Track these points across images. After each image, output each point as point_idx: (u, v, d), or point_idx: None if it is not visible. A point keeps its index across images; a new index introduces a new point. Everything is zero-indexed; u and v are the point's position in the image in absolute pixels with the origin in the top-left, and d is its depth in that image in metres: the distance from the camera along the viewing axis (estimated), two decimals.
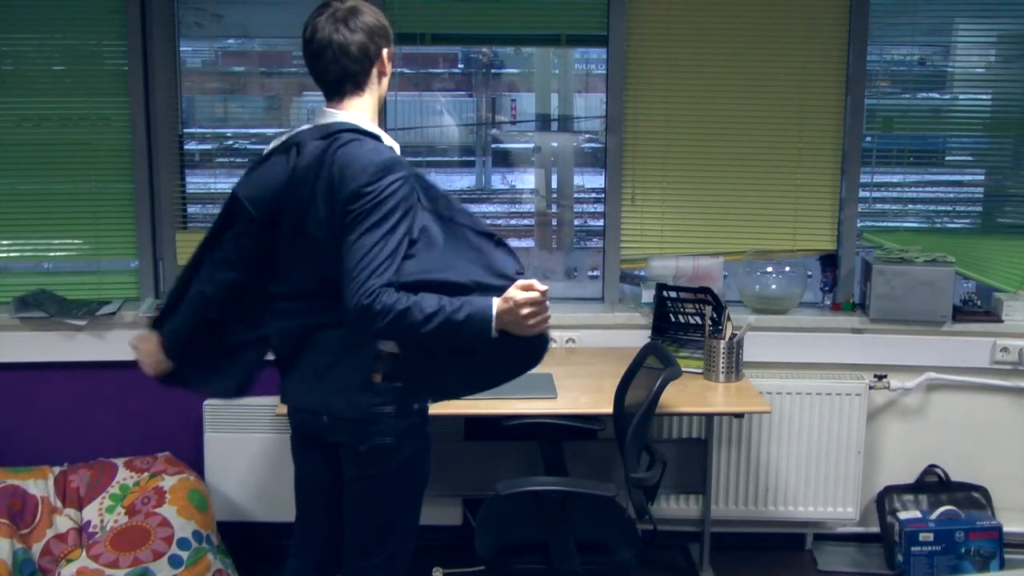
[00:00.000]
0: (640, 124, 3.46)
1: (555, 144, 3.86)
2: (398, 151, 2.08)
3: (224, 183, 3.61)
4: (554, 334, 3.45)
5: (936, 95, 3.60)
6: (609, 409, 2.83)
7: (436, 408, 2.83)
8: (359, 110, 2.10)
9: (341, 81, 2.08)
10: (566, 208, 4.09)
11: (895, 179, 3.65)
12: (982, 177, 3.70)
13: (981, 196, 3.71)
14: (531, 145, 3.90)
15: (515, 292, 2.03)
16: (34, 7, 3.35)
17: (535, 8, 3.46)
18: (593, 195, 3.80)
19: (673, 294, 3.32)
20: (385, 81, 2.16)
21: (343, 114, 2.09)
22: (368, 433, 2.14)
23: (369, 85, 2.12)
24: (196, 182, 3.61)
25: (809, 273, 3.58)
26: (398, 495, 2.24)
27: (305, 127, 2.12)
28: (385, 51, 2.12)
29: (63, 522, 3.06)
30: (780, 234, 3.52)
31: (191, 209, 3.60)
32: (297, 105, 3.69)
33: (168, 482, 3.13)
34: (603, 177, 3.54)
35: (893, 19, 3.44)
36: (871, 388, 3.42)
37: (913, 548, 3.25)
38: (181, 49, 3.51)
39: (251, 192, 2.13)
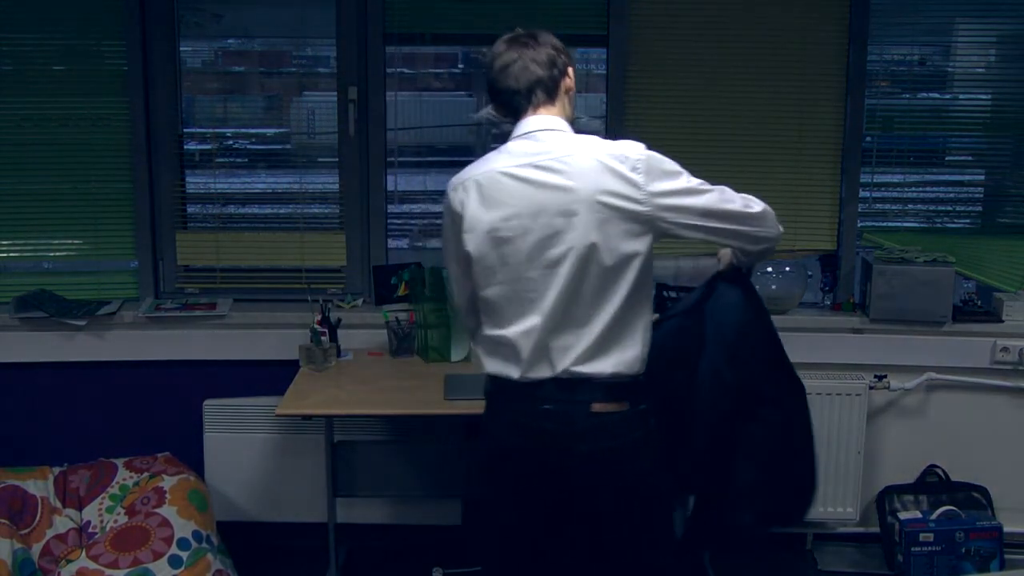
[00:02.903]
0: (640, 124, 3.46)
1: None
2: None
3: (224, 183, 3.61)
4: None
5: (936, 95, 3.60)
6: None
7: (436, 408, 2.85)
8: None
9: (533, 88, 2.11)
10: None
11: (895, 179, 3.65)
12: (982, 177, 3.70)
13: (981, 196, 3.71)
14: None
15: None
16: (34, 7, 3.35)
17: (535, 8, 3.46)
18: None
19: (673, 294, 3.32)
20: (570, 103, 2.17)
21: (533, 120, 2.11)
22: None
23: (559, 97, 2.13)
24: (196, 182, 3.61)
25: (809, 273, 3.58)
26: None
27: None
28: (570, 69, 2.16)
29: (63, 522, 3.06)
30: None
31: (191, 209, 3.60)
32: (297, 105, 3.69)
33: (168, 482, 3.12)
34: None
35: (893, 19, 3.43)
36: (871, 388, 3.42)
37: (913, 548, 3.25)
38: (181, 49, 3.51)
39: None
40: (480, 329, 2.16)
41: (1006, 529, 3.31)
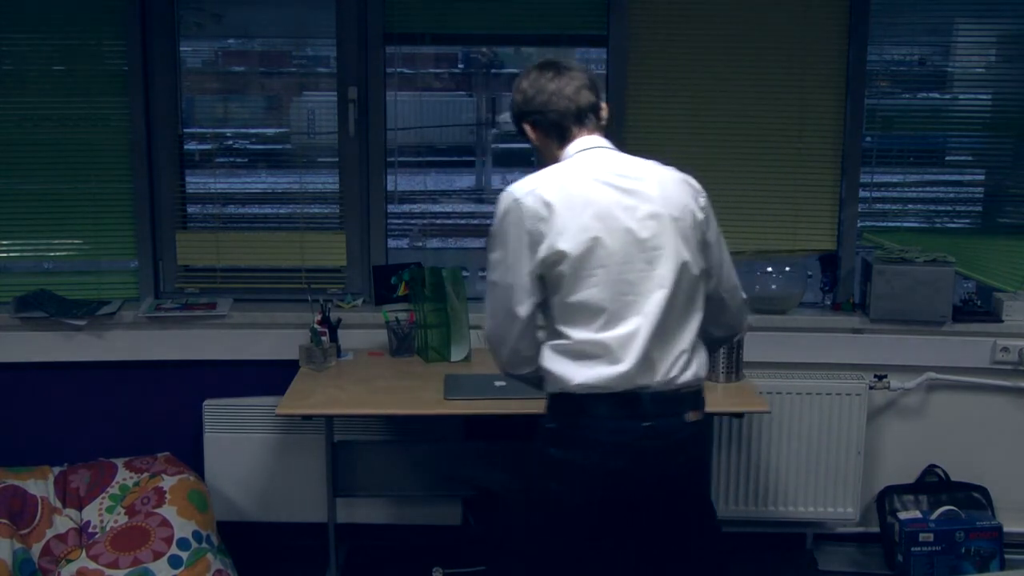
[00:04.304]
0: (640, 124, 3.46)
1: None
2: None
3: (224, 183, 3.61)
4: None
5: (936, 95, 3.60)
6: None
7: (436, 408, 2.85)
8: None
9: (586, 112, 2.19)
10: None
11: (895, 179, 3.65)
12: (982, 177, 3.70)
13: (981, 196, 3.71)
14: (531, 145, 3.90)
15: None
16: (34, 7, 3.35)
17: (535, 8, 3.46)
18: None
19: None
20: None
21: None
22: None
23: (601, 122, 2.23)
24: (196, 182, 3.61)
25: (809, 273, 3.58)
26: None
27: None
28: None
29: (63, 522, 3.06)
30: (780, 234, 3.52)
31: (191, 209, 3.60)
32: (297, 105, 3.69)
33: (168, 482, 3.13)
34: None
35: (893, 19, 3.43)
36: (871, 388, 3.42)
37: (913, 548, 3.25)
38: (181, 49, 3.50)
39: None
40: (551, 340, 2.10)
41: (1006, 529, 3.32)
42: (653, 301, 2.04)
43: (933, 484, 3.49)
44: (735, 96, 3.43)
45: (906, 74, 3.56)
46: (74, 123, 3.44)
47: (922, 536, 3.25)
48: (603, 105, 2.22)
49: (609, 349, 2.03)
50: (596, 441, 2.05)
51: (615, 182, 2.08)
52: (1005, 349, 3.41)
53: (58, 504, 3.09)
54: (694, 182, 2.17)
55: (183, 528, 3.00)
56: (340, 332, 3.29)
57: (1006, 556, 3.32)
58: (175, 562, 2.91)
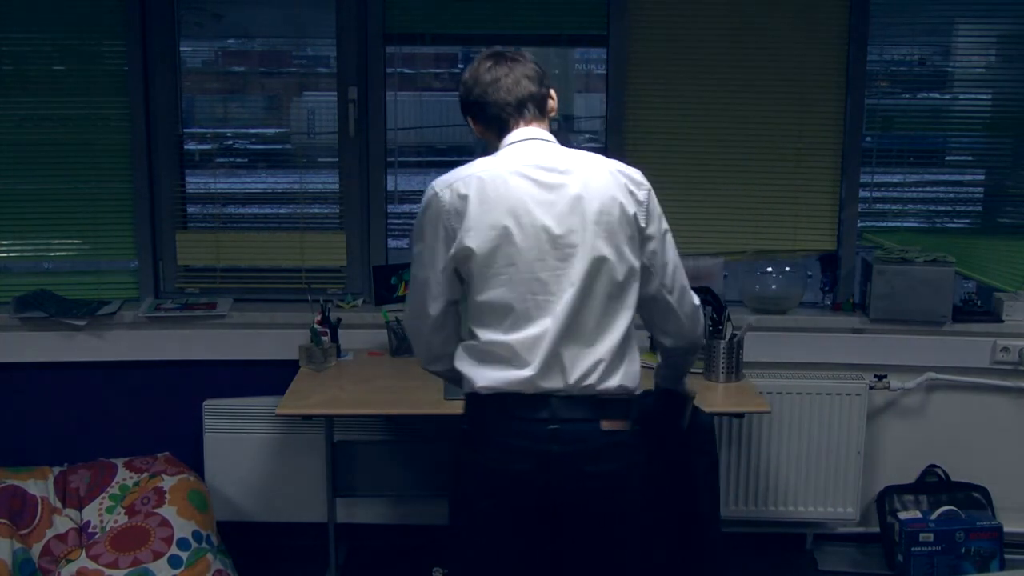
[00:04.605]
0: (640, 124, 3.46)
1: None
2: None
3: (224, 183, 3.61)
4: None
5: (936, 95, 3.60)
6: None
7: (436, 408, 2.85)
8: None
9: (525, 102, 2.08)
10: None
11: (895, 179, 3.65)
12: (982, 177, 3.70)
13: (981, 196, 3.71)
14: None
15: None
16: (34, 7, 3.35)
17: (535, 8, 3.46)
18: None
19: None
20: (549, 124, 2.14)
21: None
22: None
23: (546, 115, 2.12)
24: (196, 182, 3.61)
25: (809, 273, 3.58)
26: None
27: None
28: (552, 91, 2.14)
29: (63, 522, 3.06)
30: (780, 234, 3.52)
31: (191, 209, 3.60)
32: (297, 105, 3.69)
33: (168, 482, 3.13)
34: None
35: (893, 19, 3.43)
36: (871, 388, 3.42)
37: (913, 548, 3.25)
38: (181, 49, 3.51)
39: None
40: (465, 340, 2.04)
41: (1006, 529, 3.31)
42: (564, 300, 1.94)
43: (933, 484, 3.49)
44: (735, 96, 3.42)
45: (906, 74, 3.56)
46: (74, 123, 3.44)
47: (922, 536, 3.25)
48: (551, 95, 2.11)
49: (515, 352, 1.95)
50: (501, 443, 1.97)
51: (536, 176, 1.98)
52: (1005, 349, 3.41)
53: (58, 504, 3.09)
54: (634, 174, 2.04)
55: (183, 528, 3.00)
56: (340, 332, 3.29)
57: (1006, 556, 3.32)
58: (175, 562, 2.91)
